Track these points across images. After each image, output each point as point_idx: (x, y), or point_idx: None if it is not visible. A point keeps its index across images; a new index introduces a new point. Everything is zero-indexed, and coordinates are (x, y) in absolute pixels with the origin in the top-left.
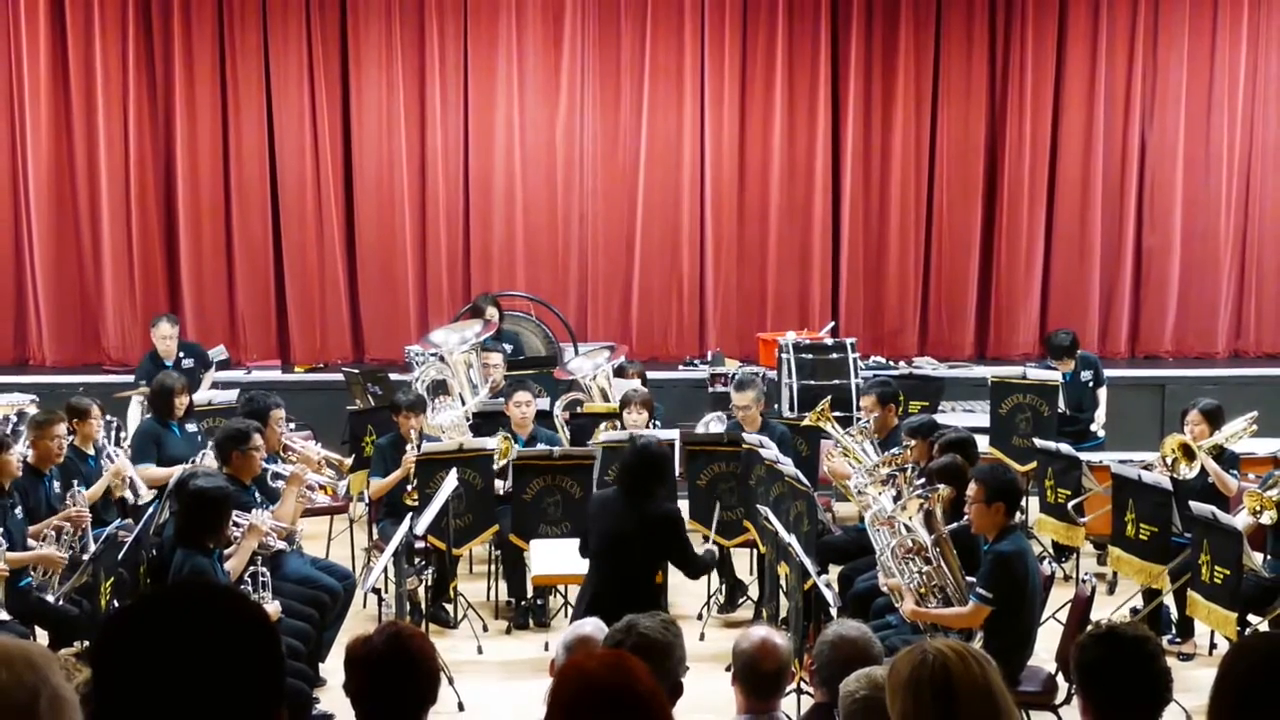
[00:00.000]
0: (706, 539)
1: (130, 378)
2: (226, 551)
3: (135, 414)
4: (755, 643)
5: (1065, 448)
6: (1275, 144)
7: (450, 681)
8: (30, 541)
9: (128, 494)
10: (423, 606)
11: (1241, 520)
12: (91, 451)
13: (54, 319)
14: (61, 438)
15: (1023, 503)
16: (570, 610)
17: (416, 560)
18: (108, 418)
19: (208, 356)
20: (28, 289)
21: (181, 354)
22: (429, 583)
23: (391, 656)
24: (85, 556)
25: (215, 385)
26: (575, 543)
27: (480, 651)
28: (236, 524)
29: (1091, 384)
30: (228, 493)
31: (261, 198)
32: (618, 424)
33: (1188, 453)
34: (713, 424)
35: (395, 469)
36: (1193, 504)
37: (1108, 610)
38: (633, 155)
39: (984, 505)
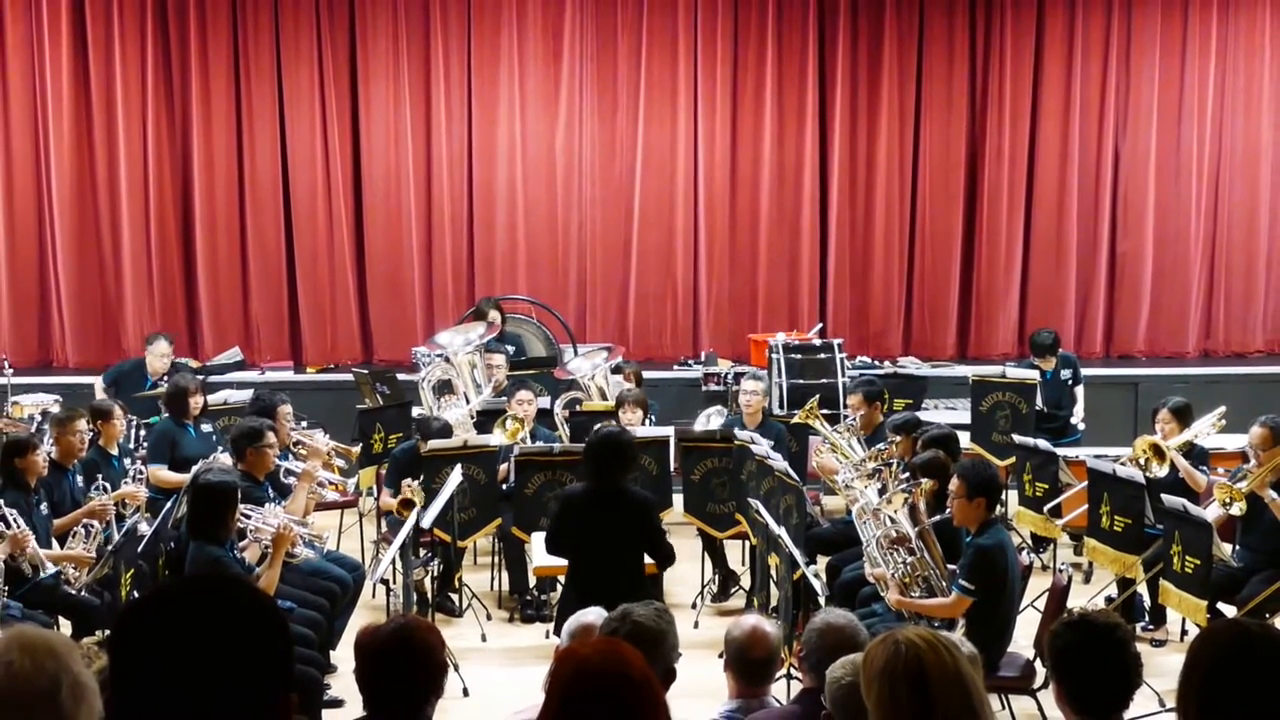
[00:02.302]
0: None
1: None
2: (259, 570)
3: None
4: (746, 631)
5: (1043, 443)
6: (1243, 152)
7: (455, 668)
8: (54, 543)
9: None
10: (429, 596)
11: (1213, 512)
12: (115, 451)
13: (76, 322)
14: (83, 433)
15: (1002, 496)
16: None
17: (423, 552)
18: (129, 417)
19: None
20: (51, 294)
21: (165, 379)
22: (435, 574)
23: (398, 647)
24: (108, 549)
25: (230, 386)
26: None
27: (484, 639)
28: (246, 515)
29: (1070, 382)
30: (233, 486)
31: (274, 206)
32: (614, 422)
33: (1158, 452)
34: (713, 418)
35: (409, 477)
36: (1165, 497)
37: (1084, 599)
38: (629, 165)
39: (966, 500)
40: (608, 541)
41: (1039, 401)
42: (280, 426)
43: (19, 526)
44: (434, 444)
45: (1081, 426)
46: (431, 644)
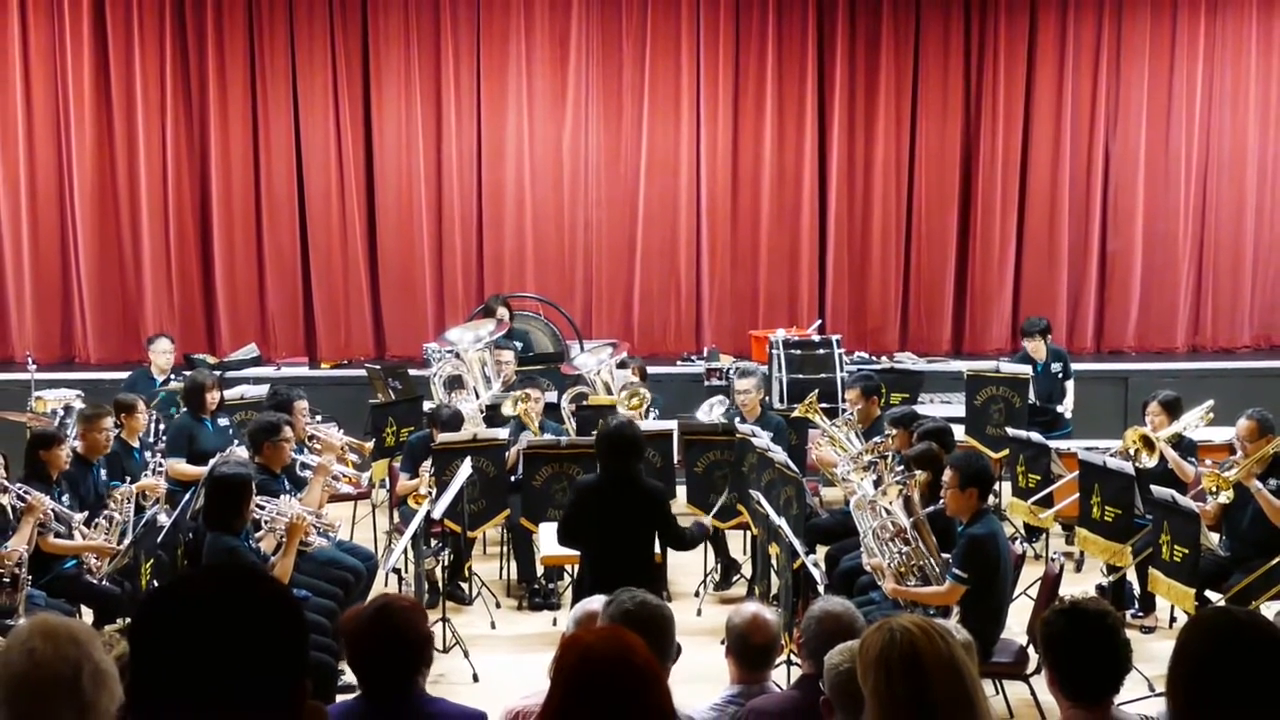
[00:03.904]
0: (700, 523)
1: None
2: (274, 559)
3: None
4: (747, 618)
5: (1035, 436)
6: (1230, 154)
7: (466, 654)
8: (77, 534)
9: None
10: (440, 585)
11: (1206, 504)
12: (136, 444)
13: (98, 319)
14: (109, 430)
15: (996, 487)
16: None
17: (434, 542)
18: (150, 412)
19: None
20: (73, 291)
21: (173, 375)
22: (446, 563)
23: (378, 628)
24: (128, 539)
25: (247, 381)
26: None
27: (493, 626)
28: (261, 507)
29: (1061, 376)
30: (248, 478)
31: (290, 207)
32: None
33: (1148, 444)
34: (715, 407)
35: (425, 461)
36: (1154, 488)
37: (1075, 587)
38: (633, 166)
39: (958, 491)
40: (620, 529)
41: (1031, 395)
42: (296, 421)
43: (34, 496)
44: (444, 437)
45: (1069, 417)
46: (412, 620)
